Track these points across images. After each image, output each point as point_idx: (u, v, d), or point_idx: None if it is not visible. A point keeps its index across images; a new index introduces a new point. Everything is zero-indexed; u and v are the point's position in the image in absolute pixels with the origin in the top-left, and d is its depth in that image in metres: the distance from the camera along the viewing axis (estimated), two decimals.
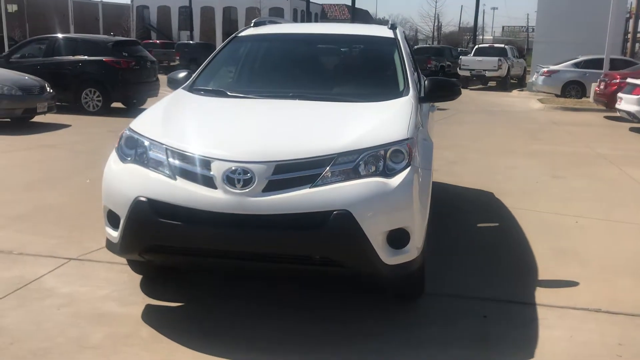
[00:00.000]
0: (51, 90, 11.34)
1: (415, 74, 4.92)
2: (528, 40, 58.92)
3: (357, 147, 3.30)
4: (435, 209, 6.07)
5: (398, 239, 3.27)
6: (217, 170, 3.19)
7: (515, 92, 24.32)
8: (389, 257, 3.25)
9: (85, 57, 13.34)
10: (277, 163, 3.19)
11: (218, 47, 4.93)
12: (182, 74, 4.60)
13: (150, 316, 3.61)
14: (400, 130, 3.48)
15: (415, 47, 37.24)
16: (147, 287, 3.99)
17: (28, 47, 14.25)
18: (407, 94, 4.09)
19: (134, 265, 3.98)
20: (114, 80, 13.23)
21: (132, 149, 3.49)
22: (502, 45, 28.87)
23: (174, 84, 4.52)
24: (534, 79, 22.16)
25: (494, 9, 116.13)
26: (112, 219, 3.44)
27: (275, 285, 4.07)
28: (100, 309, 3.68)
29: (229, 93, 4.23)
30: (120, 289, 3.95)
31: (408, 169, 3.31)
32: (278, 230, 3.13)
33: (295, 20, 62.25)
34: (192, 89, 4.32)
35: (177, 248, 3.30)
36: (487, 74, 25.65)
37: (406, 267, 3.37)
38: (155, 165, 3.36)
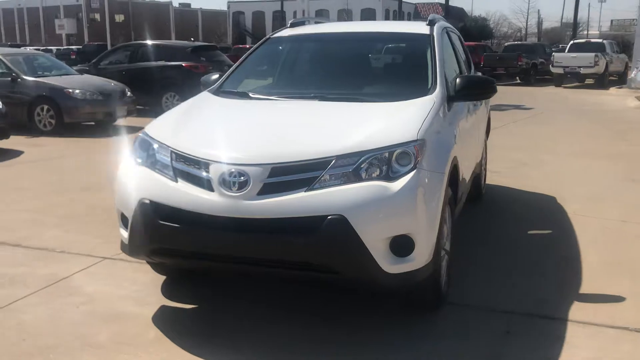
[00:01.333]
0: (131, 95, 11.86)
1: (457, 72, 4.70)
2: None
3: (358, 149, 3.15)
4: (486, 212, 5.89)
5: (402, 246, 3.10)
6: (214, 172, 3.16)
7: (612, 89, 22.79)
8: (390, 266, 3.08)
9: (166, 62, 13.85)
10: (273, 166, 3.11)
11: (251, 49, 4.91)
12: (214, 77, 4.61)
13: (161, 318, 3.63)
14: (409, 131, 3.29)
15: (506, 44, 35.88)
16: (168, 288, 4.02)
17: (115, 54, 15.02)
18: (432, 93, 3.88)
19: (155, 266, 4.02)
20: (192, 84, 13.59)
21: (145, 151, 3.52)
22: (600, 40, 27.24)
23: (205, 87, 4.54)
24: (633, 75, 20.71)
25: (601, 1, 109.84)
26: (123, 220, 3.49)
27: (286, 289, 3.97)
28: (116, 308, 3.74)
29: (251, 95, 4.18)
30: (141, 289, 4.01)
31: (413, 173, 3.13)
32: (272, 234, 3.04)
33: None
34: (217, 91, 4.32)
35: (178, 251, 3.29)
36: (582, 70, 24.20)
37: (412, 276, 3.18)
38: (161, 167, 3.37)
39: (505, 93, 22.84)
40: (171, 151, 3.37)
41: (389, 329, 3.46)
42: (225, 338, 3.38)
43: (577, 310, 3.66)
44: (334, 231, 2.96)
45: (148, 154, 3.49)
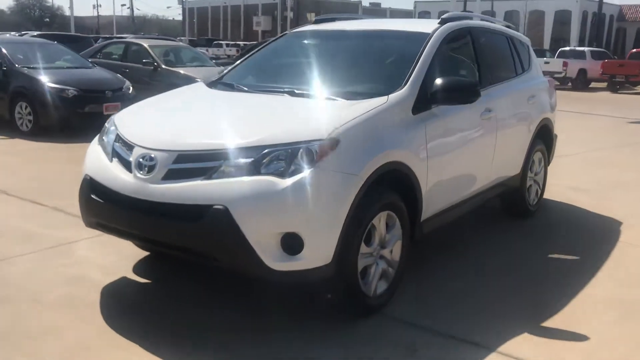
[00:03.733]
0: None
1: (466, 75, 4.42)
2: None
3: (259, 143, 3.17)
4: (519, 229, 5.39)
5: (291, 244, 3.07)
6: (134, 155, 3.37)
7: None
8: (275, 262, 3.06)
9: None
10: (179, 152, 3.24)
11: (266, 43, 5.04)
12: (226, 70, 4.82)
13: (111, 286, 3.92)
14: (319, 129, 3.23)
15: (633, 50, 31.19)
16: (141, 263, 4.30)
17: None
18: (392, 93, 3.72)
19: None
20: None
21: (104, 132, 3.83)
22: None
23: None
24: None
25: None
26: None
27: (256, 289, 3.97)
28: (84, 273, 4.11)
29: (235, 86, 4.31)
30: (119, 260, 4.31)
31: (309, 171, 3.07)
32: (164, 218, 3.18)
33: (583, 24, 57.50)
34: (212, 82, 4.51)
35: (108, 225, 3.56)
36: None
37: (302, 276, 3.13)
38: (106, 147, 3.66)
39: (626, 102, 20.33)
40: (116, 133, 3.65)
41: (323, 331, 3.40)
42: (152, 314, 3.56)
43: (520, 344, 3.30)
44: (216, 221, 3.02)
45: (105, 134, 3.80)
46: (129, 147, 3.45)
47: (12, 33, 27.20)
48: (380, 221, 3.49)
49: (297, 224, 3.04)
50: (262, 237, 3.03)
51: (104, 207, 3.45)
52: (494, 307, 3.80)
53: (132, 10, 64.59)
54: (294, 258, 3.08)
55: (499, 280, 4.24)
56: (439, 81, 3.86)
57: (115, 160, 3.52)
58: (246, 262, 3.07)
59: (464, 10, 47.42)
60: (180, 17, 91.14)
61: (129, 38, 18.13)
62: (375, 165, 3.34)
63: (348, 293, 3.38)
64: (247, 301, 3.76)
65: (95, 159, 3.65)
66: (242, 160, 3.13)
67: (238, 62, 4.81)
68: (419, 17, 66.32)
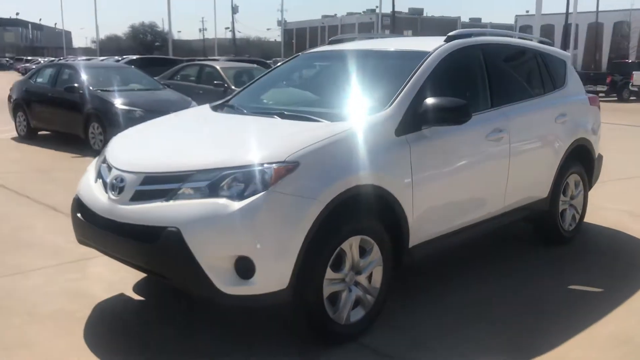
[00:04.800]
0: None
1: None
2: None
3: (217, 165, 3.18)
4: (538, 256, 5.02)
5: (243, 268, 3.04)
6: (110, 176, 3.49)
7: None
8: (228, 286, 3.04)
9: None
10: (146, 174, 3.32)
11: (280, 63, 5.07)
12: (239, 91, 4.90)
13: (105, 303, 4.04)
14: (278, 152, 3.18)
15: None
16: (143, 282, 4.42)
17: None
18: (373, 114, 3.62)
19: None
20: None
21: (102, 153, 3.99)
22: None
23: None
24: None
25: None
26: None
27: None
28: (86, 289, 4.26)
29: (235, 108, 4.35)
30: (126, 277, 4.46)
31: (261, 194, 3.03)
32: (129, 238, 3.25)
33: None
34: (219, 104, 4.57)
35: (90, 243, 3.68)
36: None
37: (255, 300, 3.08)
38: (96, 167, 3.82)
39: None
40: (105, 154, 3.79)
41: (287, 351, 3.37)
42: (133, 335, 3.60)
43: None
44: (168, 243, 3.05)
45: (100, 154, 3.96)
46: (109, 168, 3.57)
47: (116, 58, 29.11)
48: (352, 246, 3.39)
49: (248, 248, 3.01)
50: (214, 260, 3.02)
51: (86, 226, 3.58)
52: (485, 341, 3.56)
53: (234, 33, 67.41)
54: (247, 282, 3.04)
55: (499, 308, 3.97)
56: (427, 101, 3.72)
57: (99, 180, 3.65)
58: (198, 285, 3.06)
59: (566, 23, 45.50)
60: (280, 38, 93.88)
61: (204, 60, 18.77)
62: (340, 188, 3.24)
63: (312, 319, 3.29)
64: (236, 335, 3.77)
65: (85, 179, 3.82)
66: (201, 183, 3.15)
67: (251, 82, 4.86)
68: (519, 31, 64.36)
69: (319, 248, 3.19)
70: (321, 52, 4.89)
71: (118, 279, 4.44)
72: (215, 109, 4.46)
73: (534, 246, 5.31)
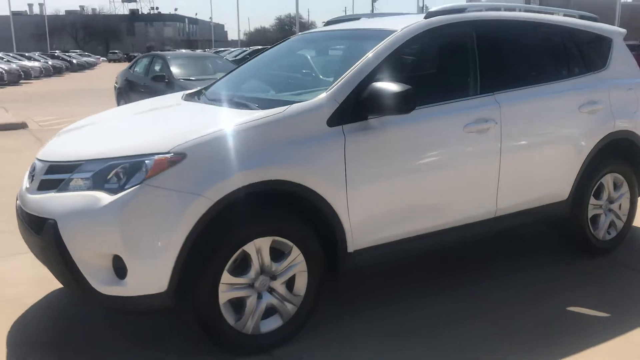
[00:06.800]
0: None
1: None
2: None
3: (104, 155, 2.98)
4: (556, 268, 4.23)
5: (118, 267, 2.83)
6: (31, 165, 3.42)
7: None
8: (102, 285, 2.84)
9: None
10: (50, 163, 3.20)
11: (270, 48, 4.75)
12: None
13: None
14: (166, 142, 2.90)
15: None
16: None
17: None
18: (297, 104, 3.21)
19: None
20: None
21: None
22: None
23: None
24: None
25: None
26: None
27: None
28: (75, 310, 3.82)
29: (200, 97, 4.12)
30: None
31: (135, 188, 2.78)
32: (29, 229, 3.14)
33: None
34: (192, 92, 4.36)
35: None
36: None
37: (129, 303, 2.85)
38: None
39: None
40: None
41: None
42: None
43: None
44: (47, 235, 2.90)
45: None
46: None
47: (243, 49, 30.25)
48: (260, 249, 3.03)
49: (118, 246, 2.78)
50: (88, 257, 2.83)
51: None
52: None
53: None
54: (120, 283, 2.82)
55: (460, 327, 3.40)
56: (369, 87, 3.23)
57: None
58: (74, 282, 2.88)
59: None
60: None
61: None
62: (238, 184, 2.89)
63: (207, 327, 2.99)
64: None
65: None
66: (87, 174, 2.95)
67: (234, 69, 4.60)
68: None
69: (210, 249, 2.88)
70: (302, 36, 4.50)
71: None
72: (186, 97, 4.26)
73: (558, 255, 4.54)
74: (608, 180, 4.44)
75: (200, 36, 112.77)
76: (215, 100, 3.82)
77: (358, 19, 4.68)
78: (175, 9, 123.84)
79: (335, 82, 3.31)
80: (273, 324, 3.15)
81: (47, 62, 38.84)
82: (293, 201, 3.12)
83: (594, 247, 4.46)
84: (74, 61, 47.45)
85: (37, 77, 33.41)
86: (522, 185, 3.95)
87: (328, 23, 4.72)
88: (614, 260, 4.48)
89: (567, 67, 4.30)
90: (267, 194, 3.01)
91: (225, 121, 3.11)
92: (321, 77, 3.78)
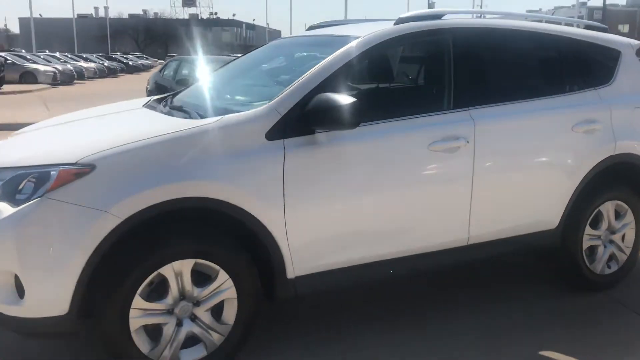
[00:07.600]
0: None
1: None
2: None
3: (14, 164, 2.80)
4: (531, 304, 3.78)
5: (18, 286, 2.62)
6: None
7: None
8: (6, 305, 2.64)
9: None
10: None
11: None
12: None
13: None
14: (74, 152, 2.69)
15: None
16: None
17: None
18: (235, 114, 2.95)
19: None
20: None
21: None
22: None
23: None
24: None
25: None
26: None
27: None
28: None
29: (157, 106, 3.88)
30: None
31: (34, 202, 2.57)
32: None
33: None
34: (157, 98, 4.13)
35: None
36: None
37: (31, 326, 2.64)
38: None
39: None
40: None
41: None
42: None
43: None
44: None
45: None
46: None
47: None
48: (180, 273, 2.78)
49: (11, 264, 2.58)
50: None
51: None
52: None
53: None
54: (19, 303, 2.61)
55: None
56: (314, 98, 2.94)
57: None
58: None
59: None
60: None
61: None
62: (152, 200, 2.64)
63: (116, 354, 2.74)
64: None
65: None
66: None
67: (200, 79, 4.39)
68: None
69: (118, 271, 2.64)
70: (277, 42, 4.25)
71: None
72: (153, 102, 4.01)
73: (554, 289, 4.11)
74: (608, 208, 3.98)
75: (256, 41, 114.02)
76: (170, 107, 3.60)
77: (344, 24, 4.38)
78: (234, 15, 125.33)
79: (281, 92, 3.03)
80: (196, 354, 2.89)
81: (102, 64, 39.86)
82: (223, 221, 2.85)
83: (590, 282, 4.01)
84: (130, 63, 48.57)
85: (91, 78, 34.29)
86: (500, 211, 3.56)
87: (311, 28, 4.43)
88: (610, 297, 4.01)
89: (560, 82, 3.87)
90: (186, 212, 2.75)
91: (149, 131, 2.87)
92: (279, 86, 3.50)
